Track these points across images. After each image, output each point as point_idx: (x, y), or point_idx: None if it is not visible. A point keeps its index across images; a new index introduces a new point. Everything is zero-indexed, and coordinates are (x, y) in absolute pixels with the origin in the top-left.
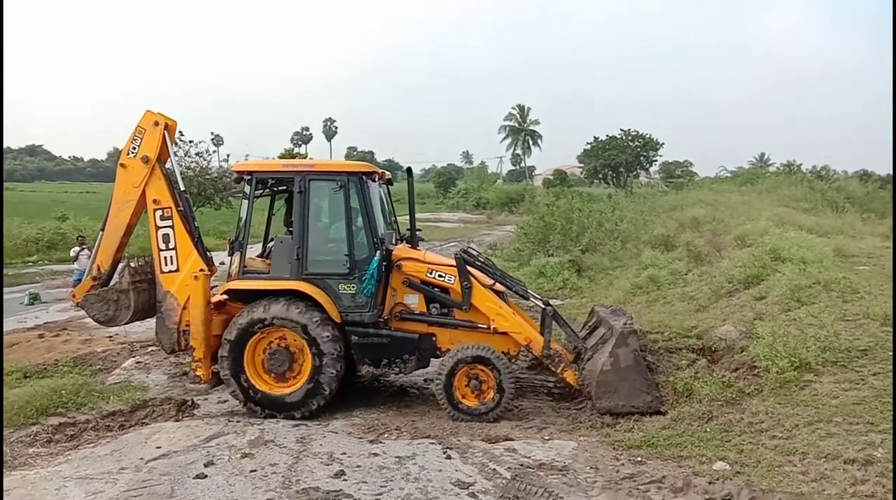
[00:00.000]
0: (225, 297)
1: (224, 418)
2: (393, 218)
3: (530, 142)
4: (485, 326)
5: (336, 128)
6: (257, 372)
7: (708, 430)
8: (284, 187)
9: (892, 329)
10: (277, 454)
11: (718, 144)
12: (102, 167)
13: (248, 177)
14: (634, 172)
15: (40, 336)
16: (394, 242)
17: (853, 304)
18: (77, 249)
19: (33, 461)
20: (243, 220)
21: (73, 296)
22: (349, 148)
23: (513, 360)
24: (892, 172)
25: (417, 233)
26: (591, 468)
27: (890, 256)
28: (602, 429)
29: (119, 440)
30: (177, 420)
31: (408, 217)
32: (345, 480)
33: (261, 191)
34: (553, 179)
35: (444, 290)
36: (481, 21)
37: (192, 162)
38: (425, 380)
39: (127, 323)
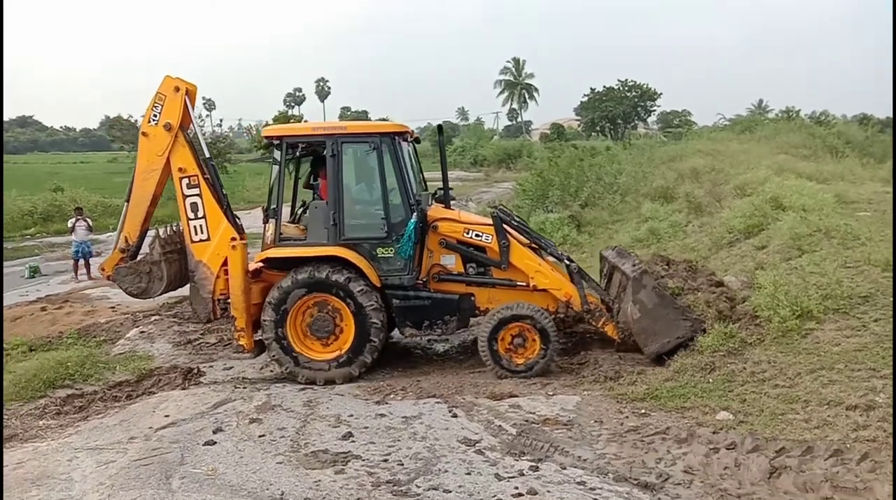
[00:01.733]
0: (261, 265)
1: (230, 384)
2: (420, 177)
3: (526, 96)
4: (524, 283)
5: (329, 88)
6: (300, 338)
7: (711, 381)
8: (308, 151)
9: (892, 275)
10: (285, 419)
11: (716, 92)
12: (95, 137)
13: (278, 142)
14: (632, 124)
15: (43, 309)
16: (430, 202)
17: (854, 250)
18: (73, 220)
19: (44, 433)
20: (275, 186)
21: (103, 270)
22: (343, 108)
23: (553, 315)
24: (892, 116)
25: (449, 192)
26: (596, 421)
27: (890, 201)
28: (605, 383)
29: (127, 409)
30: (183, 388)
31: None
32: (353, 441)
33: (291, 155)
34: (550, 134)
35: (481, 249)
36: None
37: None
38: (429, 340)
39: (161, 294)
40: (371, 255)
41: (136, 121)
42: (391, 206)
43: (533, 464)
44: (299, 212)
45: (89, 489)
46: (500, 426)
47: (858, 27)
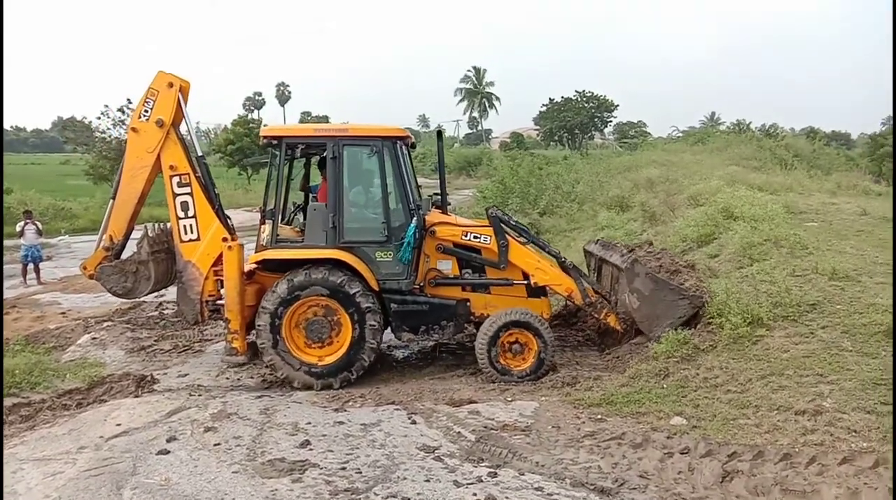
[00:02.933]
0: (255, 266)
1: (185, 392)
2: (416, 183)
3: (487, 104)
4: (520, 281)
5: (290, 92)
6: (296, 342)
7: (665, 386)
8: (308, 153)
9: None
10: (241, 427)
11: (671, 104)
12: (47, 138)
13: (277, 142)
14: (589, 134)
15: None
16: (430, 207)
17: (802, 260)
18: (22, 223)
19: None
20: (273, 187)
21: (85, 268)
22: (303, 113)
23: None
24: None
25: (447, 197)
26: (553, 426)
27: (836, 212)
28: (562, 388)
29: (77, 418)
30: (136, 396)
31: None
32: (311, 449)
33: (290, 156)
34: (510, 142)
35: (479, 251)
36: None
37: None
38: (388, 347)
39: (147, 294)
40: (370, 258)
41: (90, 122)
42: (391, 210)
43: (491, 470)
44: (291, 214)
45: None
46: (459, 432)
47: (811, 43)
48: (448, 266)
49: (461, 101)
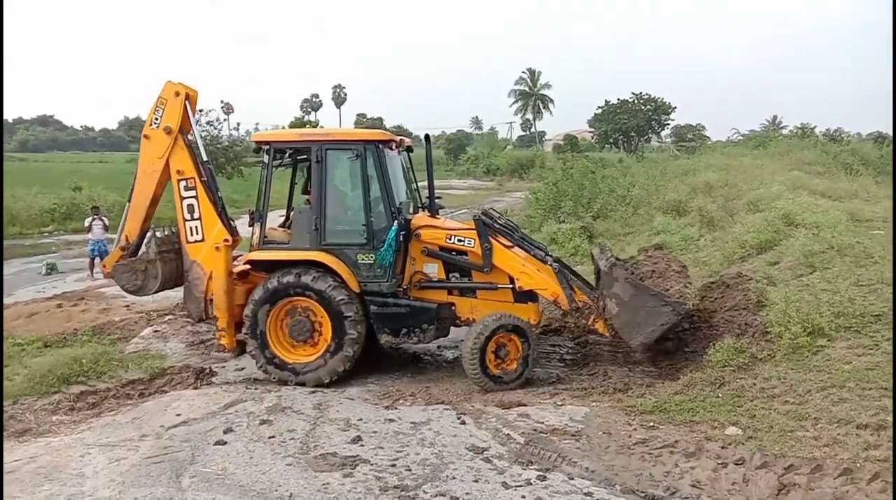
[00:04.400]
0: (248, 267)
1: (242, 385)
2: (414, 186)
3: (541, 106)
4: (505, 285)
5: (345, 94)
6: (279, 340)
7: (720, 395)
8: (305, 157)
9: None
10: (295, 421)
11: (731, 107)
12: (114, 137)
13: (267, 147)
14: (646, 137)
15: (59, 306)
16: (411, 210)
17: (867, 269)
18: (90, 218)
19: (57, 428)
20: (263, 190)
21: (104, 267)
22: (359, 115)
23: (535, 328)
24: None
25: (437, 201)
26: (604, 432)
27: None
28: (614, 395)
29: (139, 407)
30: (195, 388)
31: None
32: (362, 445)
33: (280, 160)
34: (563, 145)
35: (464, 254)
36: None
37: (202, 131)
38: (438, 347)
39: (155, 292)
40: (352, 261)
41: None
42: (373, 212)
43: (540, 474)
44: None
45: (101, 485)
46: (508, 434)
47: (877, 43)
48: (434, 269)
49: (515, 102)
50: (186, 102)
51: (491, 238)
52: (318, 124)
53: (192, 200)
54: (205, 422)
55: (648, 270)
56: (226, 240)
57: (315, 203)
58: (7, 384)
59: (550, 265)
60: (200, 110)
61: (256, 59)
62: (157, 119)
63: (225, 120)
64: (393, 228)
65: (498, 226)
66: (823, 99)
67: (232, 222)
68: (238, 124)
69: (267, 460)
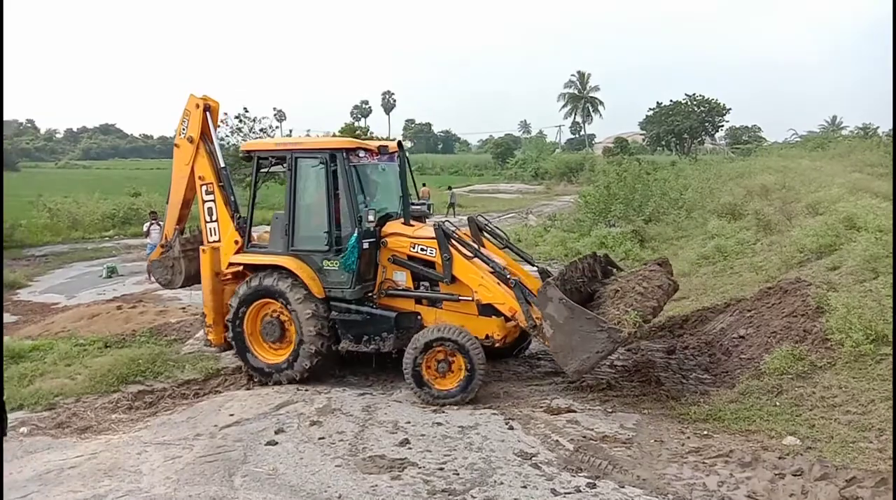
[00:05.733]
0: (240, 268)
1: (293, 387)
2: (406, 191)
3: (590, 109)
4: (468, 298)
5: (394, 100)
6: (258, 341)
7: (777, 404)
8: (278, 165)
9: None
10: (344, 423)
11: (788, 107)
12: (171, 144)
13: (252, 156)
14: (699, 139)
15: (118, 308)
16: (372, 218)
17: None
18: (148, 223)
19: (116, 426)
20: (250, 196)
21: (148, 262)
22: (407, 121)
23: (497, 343)
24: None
25: (422, 207)
26: (656, 440)
27: None
28: (666, 402)
29: (194, 407)
30: (248, 389)
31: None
32: (409, 448)
33: (266, 169)
34: (613, 148)
35: (429, 264)
36: None
37: (256, 138)
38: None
39: (182, 287)
40: (317, 266)
41: None
42: (340, 219)
43: (590, 481)
44: None
45: (157, 482)
46: (556, 440)
47: None
48: (402, 277)
49: (564, 106)
50: (207, 113)
51: (451, 249)
52: (367, 131)
53: (212, 204)
54: (257, 422)
55: (618, 287)
56: (236, 242)
57: (285, 210)
58: (70, 383)
59: (509, 281)
60: (254, 118)
61: (310, 66)
62: (184, 129)
63: (277, 127)
64: (354, 234)
65: (457, 237)
66: (886, 98)
67: (244, 225)
68: (290, 131)
69: (317, 461)
